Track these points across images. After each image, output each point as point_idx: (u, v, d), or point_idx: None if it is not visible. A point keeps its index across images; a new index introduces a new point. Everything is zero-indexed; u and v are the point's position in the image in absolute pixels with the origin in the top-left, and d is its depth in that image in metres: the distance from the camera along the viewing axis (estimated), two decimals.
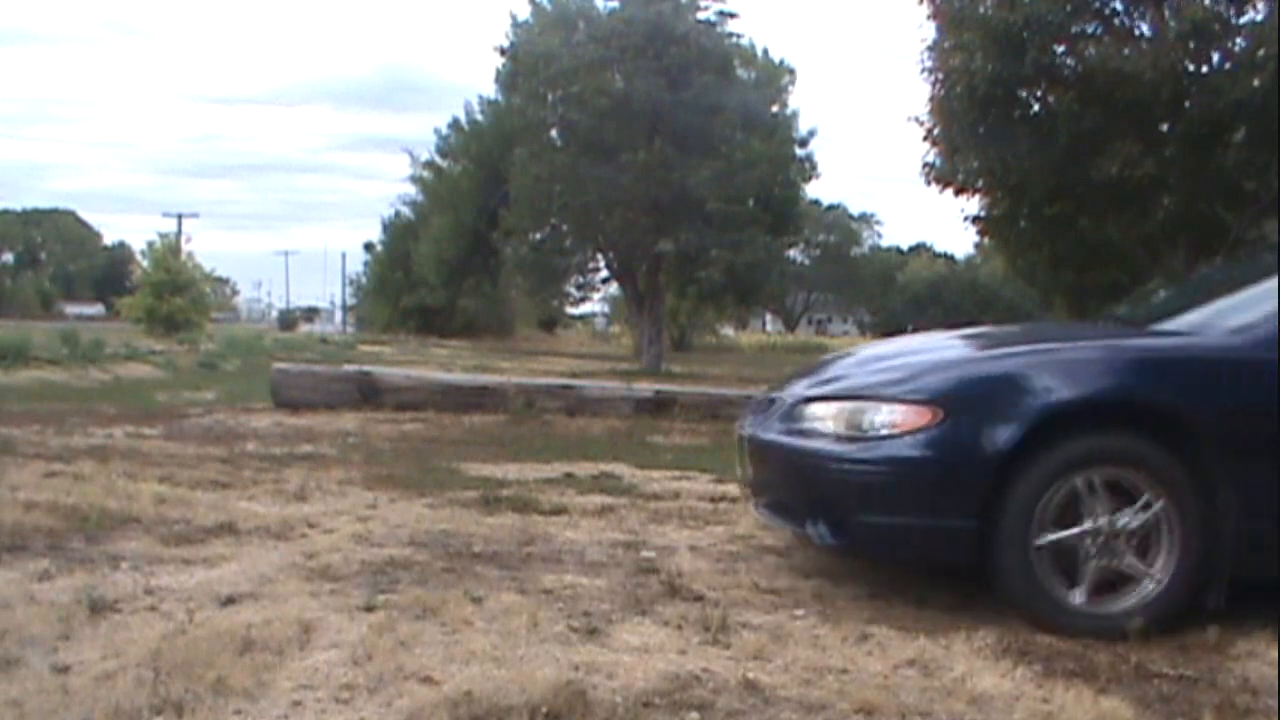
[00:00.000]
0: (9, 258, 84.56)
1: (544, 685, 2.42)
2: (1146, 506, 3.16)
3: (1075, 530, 3.15)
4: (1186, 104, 12.56)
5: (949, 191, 14.65)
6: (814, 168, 30.39)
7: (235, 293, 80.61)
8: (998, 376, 3.32)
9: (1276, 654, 2.96)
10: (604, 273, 28.37)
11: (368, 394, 9.65)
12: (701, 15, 24.66)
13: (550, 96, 25.08)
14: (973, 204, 15.17)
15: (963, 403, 3.23)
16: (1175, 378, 3.30)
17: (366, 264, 49.12)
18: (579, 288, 29.50)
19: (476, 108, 33.81)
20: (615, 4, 24.81)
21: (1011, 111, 13.40)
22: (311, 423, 8.42)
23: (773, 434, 3.57)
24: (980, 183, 14.54)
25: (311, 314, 78.21)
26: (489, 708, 2.32)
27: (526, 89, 25.57)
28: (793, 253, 38.29)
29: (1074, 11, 12.62)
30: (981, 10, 12.74)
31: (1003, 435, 3.15)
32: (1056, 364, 3.33)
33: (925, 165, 14.70)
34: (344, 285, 63.89)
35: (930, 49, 13.88)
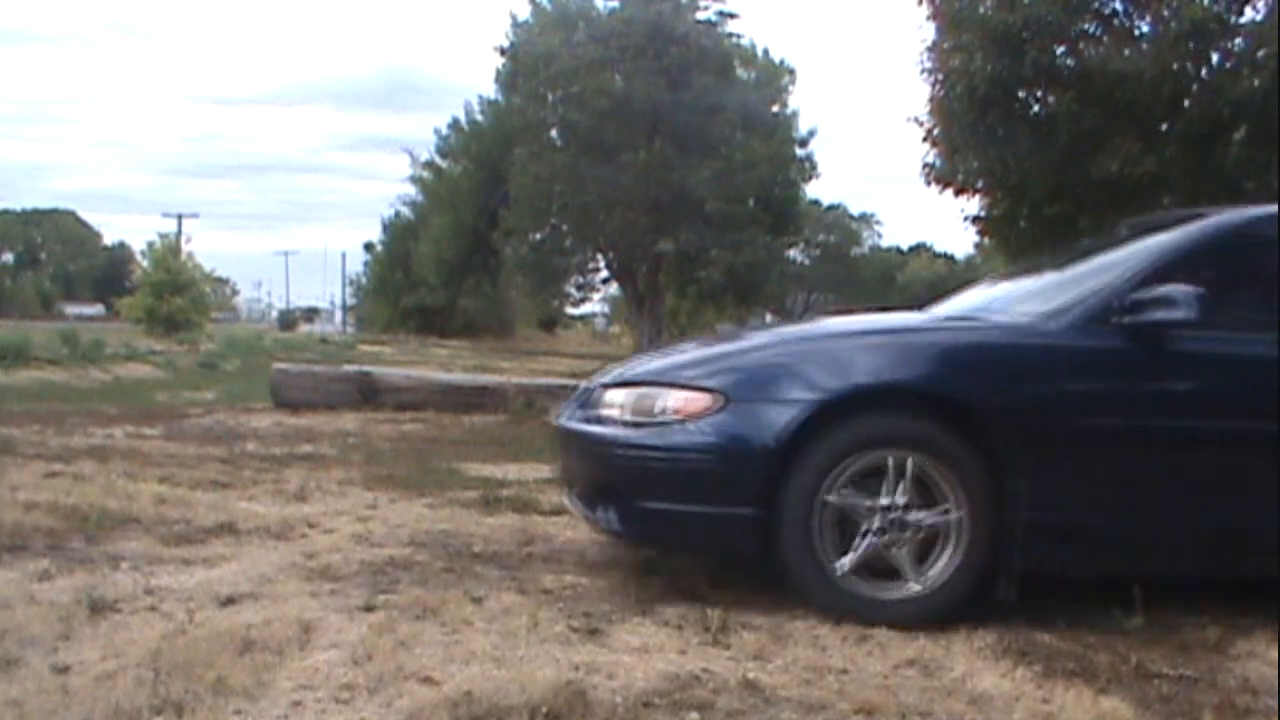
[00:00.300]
0: (9, 258, 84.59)
1: (544, 685, 2.42)
2: (932, 494, 3.13)
3: (859, 518, 3.12)
4: (1186, 104, 12.56)
5: (949, 191, 14.65)
6: (814, 168, 30.41)
7: (235, 293, 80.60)
8: (779, 364, 3.31)
9: (1276, 654, 2.96)
10: (604, 273, 28.41)
11: (368, 394, 9.65)
12: (701, 15, 24.66)
13: (550, 96, 25.11)
14: (973, 204, 15.16)
15: (744, 389, 3.22)
16: (962, 364, 3.27)
17: (366, 264, 49.18)
18: (579, 288, 29.55)
19: (476, 108, 33.86)
20: (615, 4, 24.81)
21: (1011, 111, 13.40)
22: (311, 423, 8.42)
23: (575, 422, 3.57)
24: (980, 183, 14.53)
25: (311, 314, 78.24)
26: (489, 708, 2.32)
27: (526, 89, 25.60)
28: (793, 253, 38.31)
29: (1074, 11, 12.62)
30: (981, 11, 12.75)
31: (783, 422, 3.12)
32: (839, 351, 3.34)
33: (925, 165, 14.70)
34: (344, 285, 63.95)
35: (930, 49, 13.89)
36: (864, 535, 3.13)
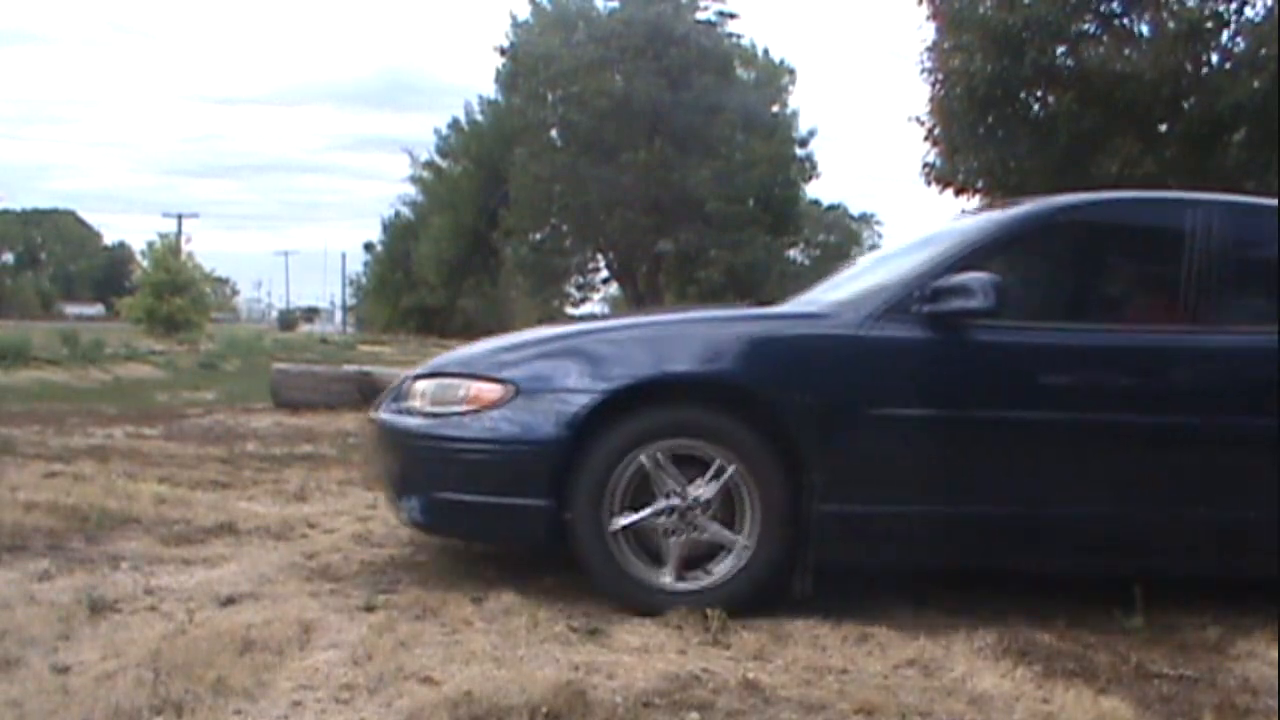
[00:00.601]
0: (9, 258, 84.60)
1: (544, 685, 2.42)
2: (727, 485, 3.12)
3: (651, 509, 3.11)
4: (1186, 104, 12.57)
5: (949, 191, 14.66)
6: (814, 168, 30.44)
7: (235, 293, 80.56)
8: (572, 355, 3.29)
9: (1276, 654, 2.96)
10: (604, 273, 28.43)
11: (368, 394, 9.61)
12: (701, 15, 24.67)
13: (550, 97, 25.13)
14: (973, 204, 15.16)
15: (534, 380, 3.20)
16: (754, 355, 3.25)
17: (366, 264, 49.17)
18: (579, 288, 29.57)
19: (476, 108, 33.87)
20: (615, 4, 24.81)
21: (1011, 112, 13.42)
22: (311, 423, 8.42)
23: (385, 413, 3.56)
24: (980, 183, 14.55)
25: (311, 314, 78.25)
26: (489, 708, 2.32)
27: (526, 89, 25.62)
28: (793, 253, 38.28)
29: (1074, 11, 12.63)
30: (981, 11, 12.76)
31: (571, 412, 3.12)
32: (631, 342, 3.33)
33: (925, 165, 14.72)
34: (344, 285, 63.94)
35: (930, 49, 13.90)
36: (655, 522, 3.12)
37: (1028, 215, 3.60)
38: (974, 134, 13.47)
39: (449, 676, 2.51)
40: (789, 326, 3.41)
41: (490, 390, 3.21)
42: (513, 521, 3.21)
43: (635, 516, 3.11)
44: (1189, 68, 12.38)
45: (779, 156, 27.18)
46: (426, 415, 3.31)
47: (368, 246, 48.53)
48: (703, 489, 3.11)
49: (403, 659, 2.62)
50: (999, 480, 3.27)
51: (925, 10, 13.83)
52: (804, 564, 3.16)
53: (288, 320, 68.96)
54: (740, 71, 27.43)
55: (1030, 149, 13.17)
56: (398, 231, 42.84)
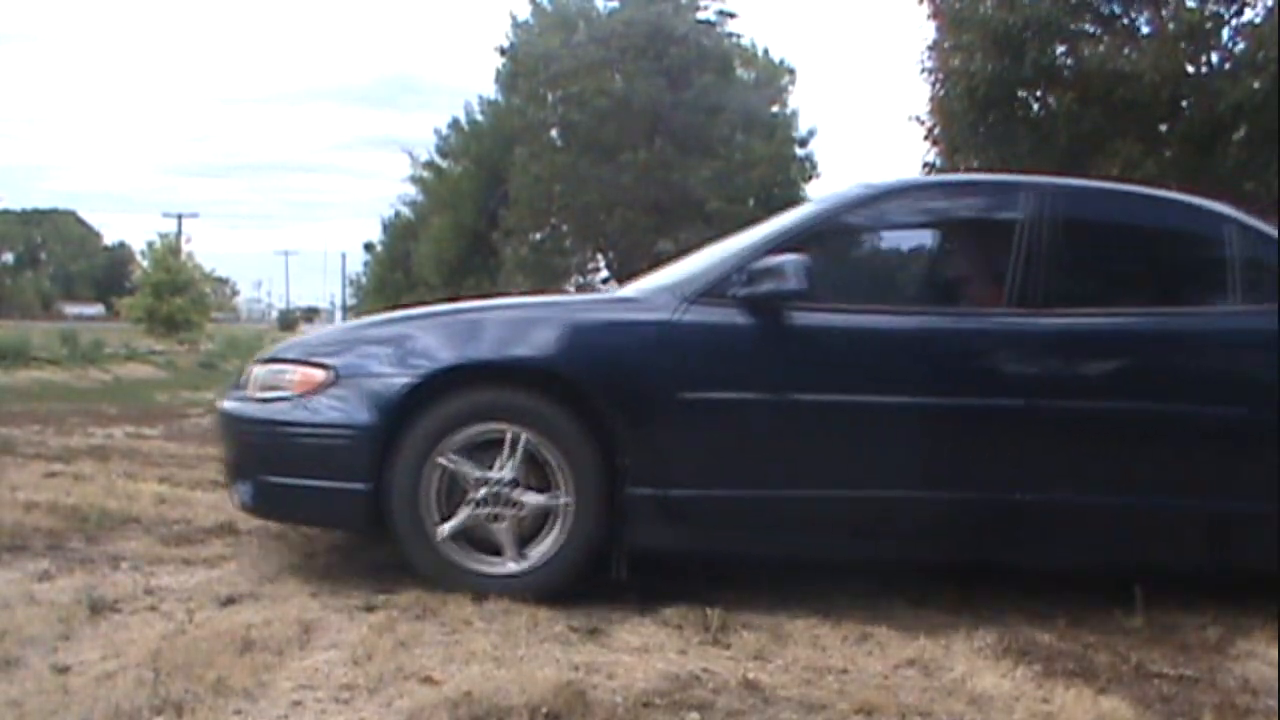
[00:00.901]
0: (9, 258, 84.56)
1: (544, 685, 2.42)
2: (542, 470, 3.15)
3: (466, 492, 3.14)
4: (1186, 104, 12.57)
5: None
6: (814, 168, 30.37)
7: (235, 293, 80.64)
8: (387, 341, 3.34)
9: (1276, 654, 2.96)
10: (604, 273, 28.39)
11: None
12: (701, 15, 24.68)
13: (550, 97, 25.13)
14: None
15: (352, 366, 3.26)
16: (567, 340, 3.26)
17: (366, 264, 49.12)
18: (579, 288, 29.52)
19: (476, 108, 33.81)
20: (615, 4, 24.82)
21: (1011, 111, 13.41)
22: None
23: (225, 400, 3.62)
24: None
25: (311, 314, 78.19)
26: (489, 708, 2.32)
27: (526, 89, 25.62)
28: None
29: (1074, 11, 12.63)
30: (981, 11, 12.76)
31: (385, 398, 3.16)
32: (445, 328, 3.36)
33: (925, 165, 14.72)
34: (344, 285, 63.86)
35: (930, 49, 13.91)
36: (469, 507, 3.14)
37: (848, 200, 3.58)
38: (974, 134, 13.47)
39: (449, 676, 2.51)
40: (602, 312, 3.45)
41: (313, 375, 3.27)
42: (334, 505, 3.26)
43: (456, 521, 3.15)
44: (1189, 68, 12.38)
45: (779, 156, 27.17)
46: (257, 401, 3.38)
47: (368, 246, 48.51)
48: (518, 475, 3.14)
49: (403, 659, 2.62)
50: (809, 465, 3.26)
51: (925, 10, 13.85)
52: (621, 549, 3.19)
53: (288, 320, 68.91)
54: (740, 71, 27.44)
55: (1030, 149, 13.16)
56: (398, 231, 42.80)
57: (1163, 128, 13.02)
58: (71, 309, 71.95)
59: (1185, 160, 12.65)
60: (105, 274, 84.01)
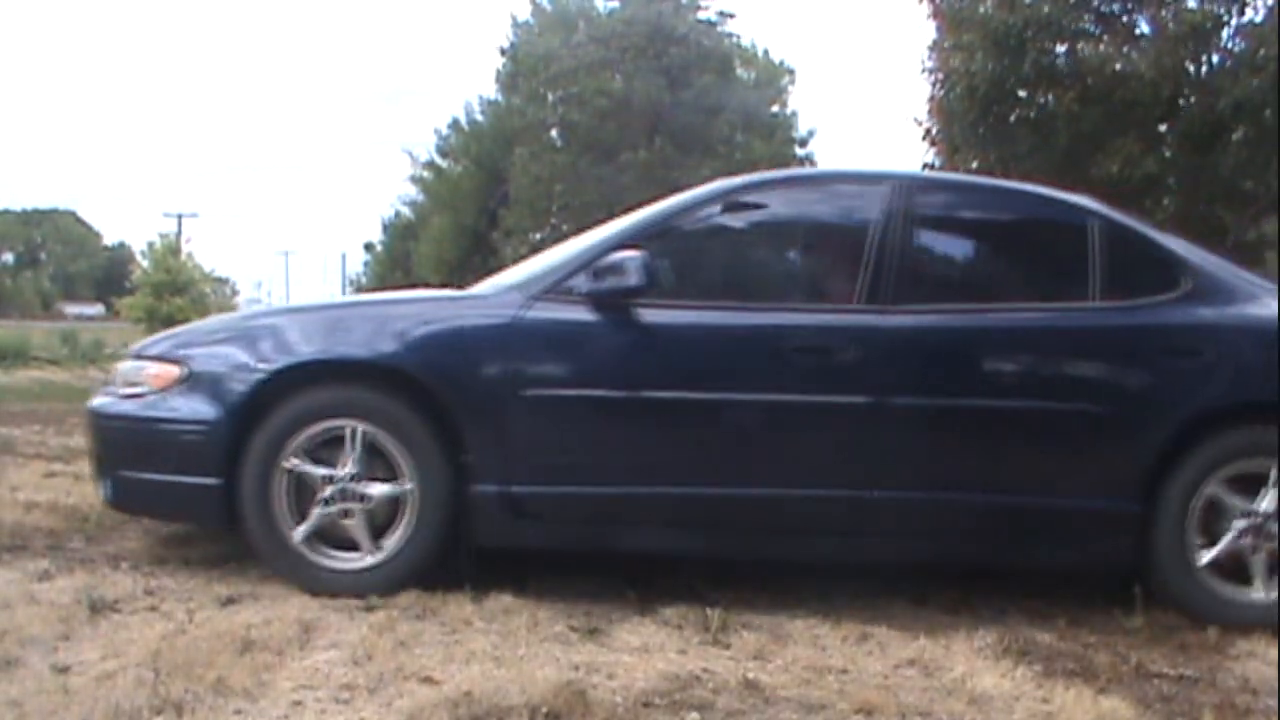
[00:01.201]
0: (9, 258, 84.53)
1: (544, 685, 2.42)
2: (391, 466, 3.18)
3: (315, 488, 3.18)
4: (1186, 104, 12.57)
5: None
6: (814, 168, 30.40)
7: (235, 293, 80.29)
8: (239, 338, 3.39)
9: (1276, 654, 2.96)
10: None
11: None
12: (702, 15, 24.68)
13: (550, 97, 25.13)
14: None
15: (204, 362, 3.31)
16: (413, 338, 3.29)
17: (366, 264, 49.12)
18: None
19: (476, 108, 33.80)
20: (615, 4, 24.83)
21: (1012, 112, 13.41)
22: None
23: (96, 397, 3.65)
24: None
25: None
26: (489, 708, 2.32)
27: (526, 89, 25.62)
28: None
29: (1074, 11, 12.63)
30: (981, 10, 12.76)
31: (235, 394, 3.22)
32: (294, 325, 3.39)
33: (925, 166, 14.72)
34: (344, 285, 63.84)
35: (930, 49, 13.91)
36: (319, 504, 3.18)
37: (700, 196, 3.55)
38: (974, 134, 13.47)
39: (449, 676, 2.51)
40: (448, 309, 3.46)
41: (168, 371, 3.32)
42: (188, 500, 3.31)
43: (309, 524, 3.18)
44: (1189, 67, 12.38)
45: (779, 157, 27.15)
46: (119, 397, 3.42)
47: (368, 247, 48.51)
48: (366, 471, 3.18)
49: (403, 659, 2.62)
50: (653, 462, 3.26)
51: (925, 10, 13.85)
52: (469, 544, 3.23)
53: None
54: (740, 72, 27.45)
55: (1030, 149, 13.17)
56: (398, 231, 42.79)
57: (1162, 127, 13.01)
58: (71, 309, 71.93)
59: (1185, 160, 12.66)
60: (105, 274, 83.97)
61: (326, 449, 3.20)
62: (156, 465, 3.29)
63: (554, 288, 3.29)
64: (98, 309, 69.61)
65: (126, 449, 3.38)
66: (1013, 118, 13.39)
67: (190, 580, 3.35)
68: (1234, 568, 3.25)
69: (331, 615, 2.98)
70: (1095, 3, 12.91)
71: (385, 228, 45.01)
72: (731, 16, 25.47)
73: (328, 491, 3.17)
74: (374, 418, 3.18)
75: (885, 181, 3.50)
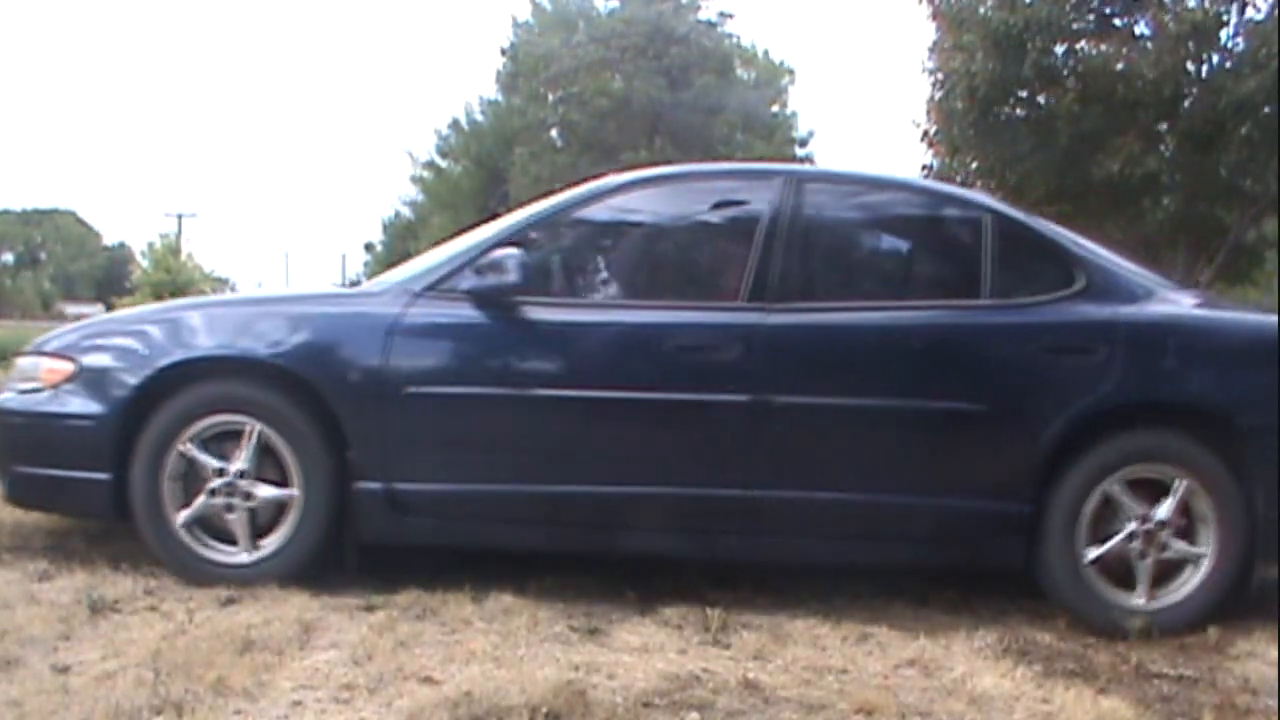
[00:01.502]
0: (9, 258, 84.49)
1: (544, 685, 2.42)
2: (277, 461, 3.23)
3: (202, 482, 3.23)
4: (1186, 104, 12.57)
5: None
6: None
7: (235, 293, 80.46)
8: (127, 334, 3.42)
9: (1276, 654, 2.96)
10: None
11: None
12: (702, 15, 24.70)
13: (550, 97, 25.14)
14: None
15: (94, 358, 3.36)
16: (294, 334, 3.31)
17: (366, 264, 49.08)
18: None
19: (476, 108, 33.81)
20: (615, 4, 24.84)
21: (1011, 112, 13.42)
22: None
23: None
24: (980, 184, 14.56)
25: None
26: (489, 708, 2.32)
27: (527, 89, 25.63)
28: None
29: (1074, 11, 12.63)
30: (982, 11, 12.77)
31: (122, 390, 3.26)
32: (181, 322, 3.42)
33: (925, 167, 14.74)
34: (344, 285, 63.81)
35: (931, 49, 13.92)
36: (205, 496, 3.23)
37: (587, 193, 3.53)
38: (974, 134, 13.48)
39: (449, 676, 2.51)
40: (334, 306, 3.47)
41: (61, 367, 3.37)
42: (80, 495, 3.35)
43: (192, 510, 3.23)
44: (1189, 67, 12.38)
45: (779, 157, 27.18)
46: (15, 392, 3.47)
47: (368, 247, 48.43)
48: (251, 466, 3.22)
49: (403, 659, 2.62)
50: (533, 460, 3.25)
51: (926, 10, 13.86)
52: (353, 540, 3.27)
53: None
54: (740, 72, 27.46)
55: (1030, 149, 13.18)
56: (398, 231, 42.74)
57: (1163, 127, 13.02)
58: (71, 309, 71.77)
59: (1185, 160, 12.67)
60: (105, 274, 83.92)
61: (216, 444, 3.25)
62: (48, 460, 3.35)
63: (437, 285, 3.30)
64: (98, 309, 69.50)
65: (20, 444, 3.44)
66: (1013, 118, 13.40)
67: (190, 580, 3.35)
68: (1122, 573, 3.20)
69: (331, 615, 2.98)
70: (1095, 3, 12.92)
71: (385, 228, 44.96)
72: (730, 17, 25.49)
73: (215, 483, 3.22)
74: (260, 414, 3.22)
75: (774, 177, 3.47)
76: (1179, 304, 3.38)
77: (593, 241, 3.62)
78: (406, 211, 42.22)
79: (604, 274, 3.59)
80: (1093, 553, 3.18)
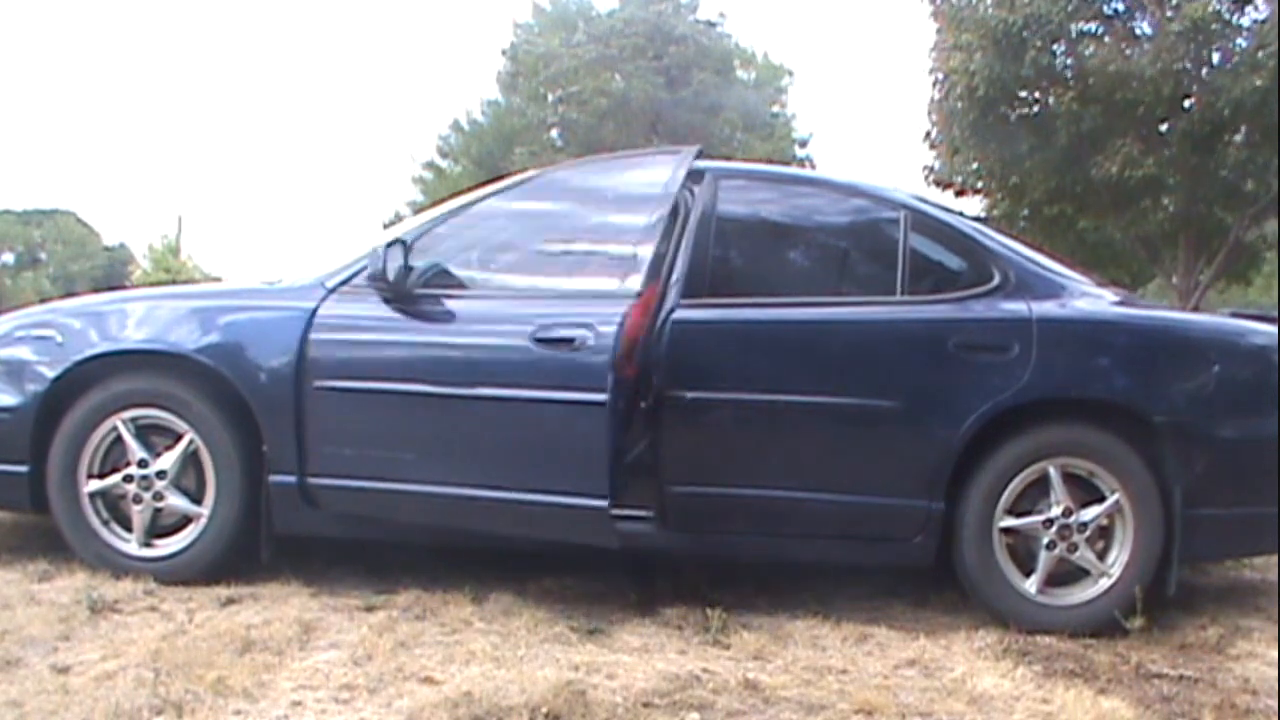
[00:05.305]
0: (9, 258, 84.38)
1: (544, 685, 2.42)
2: (197, 455, 3.26)
3: (115, 479, 3.26)
4: (1186, 104, 12.57)
5: (949, 192, 14.68)
6: (814, 169, 30.38)
7: None
8: (53, 326, 3.44)
9: (1276, 654, 2.96)
10: None
11: None
12: (702, 15, 24.69)
13: (550, 96, 25.13)
14: (973, 205, 15.18)
15: (14, 352, 3.39)
16: (210, 328, 3.31)
17: None
18: None
19: (477, 108, 33.80)
20: (615, 4, 24.84)
21: (1011, 112, 13.43)
22: None
23: None
24: (980, 184, 14.57)
25: None
26: (489, 708, 2.32)
27: (527, 89, 25.63)
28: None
29: (1074, 11, 12.63)
30: (982, 10, 12.77)
31: (42, 381, 3.31)
32: (107, 316, 3.45)
33: (925, 168, 14.76)
34: None
35: (932, 49, 13.93)
36: (116, 476, 3.26)
37: (502, 188, 3.50)
38: (974, 134, 13.49)
39: (449, 676, 2.51)
40: (251, 301, 3.47)
41: None
42: (3, 487, 3.38)
43: (100, 484, 3.27)
44: (1190, 67, 12.38)
45: (779, 157, 27.15)
46: None
47: None
48: (165, 459, 3.25)
49: (403, 659, 2.62)
50: (437, 456, 3.18)
51: (927, 9, 13.87)
52: (268, 533, 3.28)
53: None
54: (740, 72, 27.44)
55: (1030, 149, 13.18)
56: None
57: (1163, 127, 13.02)
58: None
59: (1185, 160, 12.67)
60: (105, 274, 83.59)
61: (151, 434, 3.28)
62: None
63: (350, 280, 3.30)
64: None
65: None
66: (1013, 118, 13.41)
67: (190, 580, 3.35)
68: (1035, 568, 3.17)
69: (331, 615, 2.98)
70: (1096, 2, 12.92)
71: (386, 228, 44.99)
72: (726, 18, 25.47)
73: (134, 472, 3.26)
74: (177, 409, 3.25)
75: (693, 172, 3.38)
76: (1097, 301, 3.37)
77: (498, 239, 3.52)
78: (407, 212, 42.23)
79: (508, 271, 3.45)
80: (1004, 551, 3.16)
